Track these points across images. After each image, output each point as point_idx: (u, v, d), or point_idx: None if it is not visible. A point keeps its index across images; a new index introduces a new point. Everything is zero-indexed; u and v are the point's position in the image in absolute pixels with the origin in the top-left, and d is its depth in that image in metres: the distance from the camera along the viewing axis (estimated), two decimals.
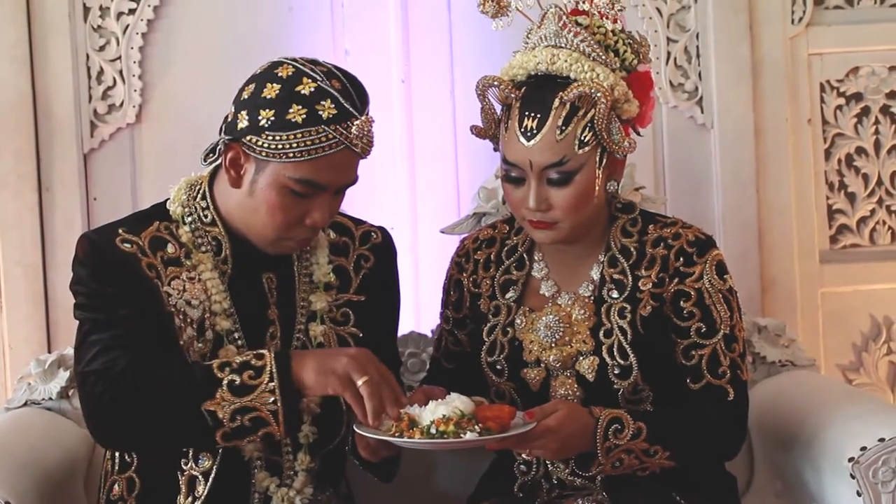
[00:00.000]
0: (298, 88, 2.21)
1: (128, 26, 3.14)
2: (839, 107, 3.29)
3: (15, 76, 3.11)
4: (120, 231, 2.33)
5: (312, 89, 2.21)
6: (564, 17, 2.36)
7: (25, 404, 2.84)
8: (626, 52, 2.38)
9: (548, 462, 2.44)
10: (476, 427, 2.16)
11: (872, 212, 3.32)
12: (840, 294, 3.31)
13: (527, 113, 2.34)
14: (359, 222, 2.54)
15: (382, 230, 2.55)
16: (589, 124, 2.32)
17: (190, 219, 2.36)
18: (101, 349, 2.23)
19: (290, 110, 2.20)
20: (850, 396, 2.76)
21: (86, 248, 2.31)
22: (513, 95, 2.36)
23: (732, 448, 2.43)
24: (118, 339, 2.24)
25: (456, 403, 2.19)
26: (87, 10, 3.14)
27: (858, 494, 2.39)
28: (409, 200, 3.23)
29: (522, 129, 2.33)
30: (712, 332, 2.38)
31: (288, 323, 2.38)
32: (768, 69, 3.23)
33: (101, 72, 3.16)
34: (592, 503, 2.34)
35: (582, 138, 2.33)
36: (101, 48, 3.15)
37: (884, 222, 3.32)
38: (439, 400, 2.22)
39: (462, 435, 2.15)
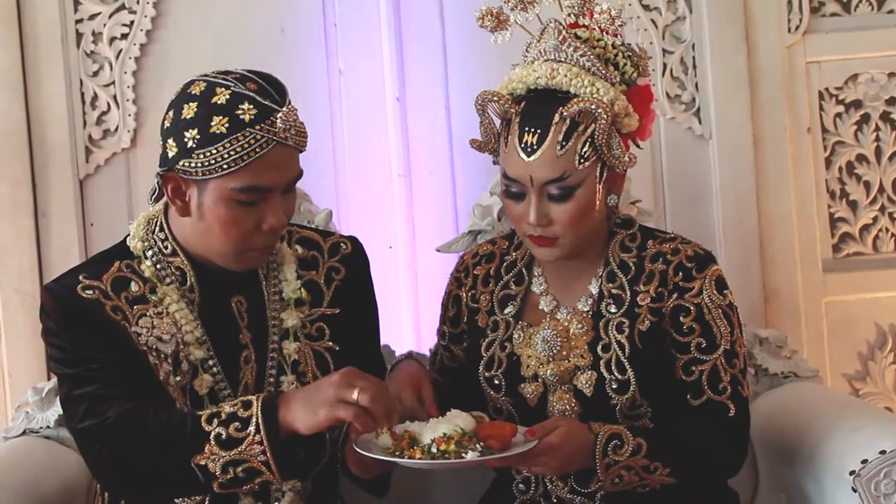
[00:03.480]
0: (214, 100, 2.20)
1: (121, 51, 3.14)
2: (838, 114, 3.27)
3: (9, 103, 3.10)
4: (81, 278, 2.32)
5: (228, 97, 2.20)
6: (564, 32, 2.35)
7: (24, 433, 2.83)
8: (625, 65, 2.37)
9: (546, 481, 2.43)
10: (477, 445, 2.14)
11: (875, 219, 3.29)
12: (844, 303, 3.28)
13: (527, 128, 2.32)
14: (327, 234, 2.53)
15: (353, 239, 2.53)
16: (589, 139, 2.31)
17: (151, 252, 2.35)
18: (90, 404, 2.23)
19: (213, 123, 2.19)
20: (852, 408, 2.73)
21: (49, 301, 2.31)
22: (512, 110, 2.35)
23: (733, 465, 2.41)
24: (103, 389, 2.23)
25: (457, 421, 2.18)
26: (79, 35, 3.14)
27: None
28: (406, 219, 3.21)
29: (523, 145, 2.32)
30: (713, 348, 2.37)
31: (261, 344, 2.37)
32: (766, 78, 3.21)
33: (94, 97, 3.15)
34: None
35: (582, 153, 2.31)
36: (95, 73, 3.15)
37: (887, 230, 3.29)
38: (440, 417, 2.21)
39: (464, 454, 2.13)
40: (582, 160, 2.32)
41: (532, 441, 2.20)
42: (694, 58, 3.21)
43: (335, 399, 2.11)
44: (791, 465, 2.64)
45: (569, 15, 2.39)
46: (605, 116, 2.29)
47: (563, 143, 2.31)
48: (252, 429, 2.14)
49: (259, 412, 2.15)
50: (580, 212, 2.35)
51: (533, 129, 2.32)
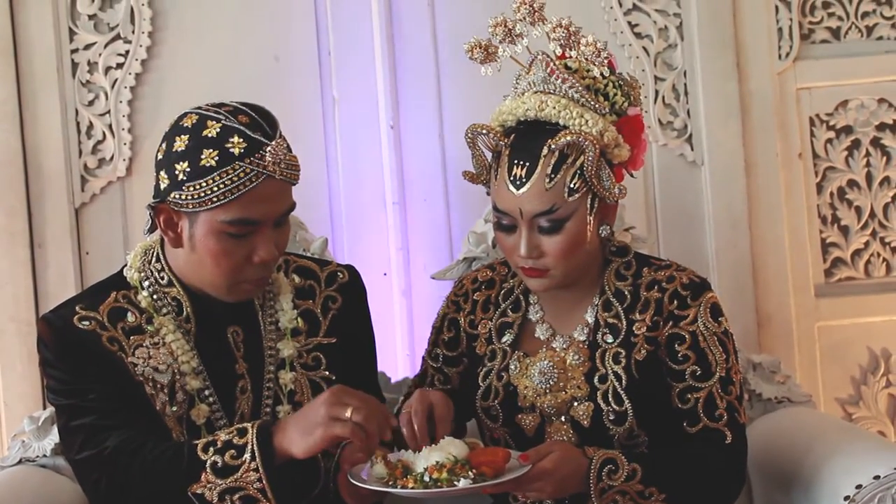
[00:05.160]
0: (205, 133, 2.21)
1: (116, 80, 3.15)
2: (829, 140, 3.29)
3: (4, 133, 3.11)
4: (77, 309, 2.33)
5: (218, 130, 2.21)
6: (552, 63, 2.36)
7: (20, 462, 2.82)
8: (616, 95, 2.37)
9: None
10: (470, 473, 2.15)
11: (866, 244, 3.31)
12: (837, 327, 3.30)
13: (516, 161, 2.33)
14: (324, 263, 2.54)
15: (350, 269, 2.54)
16: (578, 171, 2.32)
17: (147, 283, 2.36)
18: (88, 435, 2.24)
19: (203, 156, 2.20)
20: (846, 433, 2.74)
21: (46, 332, 2.32)
22: (502, 143, 2.36)
23: (731, 492, 2.40)
24: (100, 419, 2.24)
25: (450, 448, 2.19)
26: (75, 65, 3.15)
27: None
28: (400, 246, 3.22)
29: (511, 178, 2.33)
30: (707, 375, 2.37)
31: (258, 374, 2.37)
32: (757, 105, 3.23)
33: (90, 126, 3.16)
34: None
35: (571, 186, 2.32)
36: (90, 103, 3.16)
37: (878, 254, 3.31)
38: (433, 445, 2.21)
39: (456, 482, 2.13)
40: (571, 192, 2.32)
41: (525, 466, 2.21)
42: (686, 85, 3.23)
43: (329, 418, 2.13)
44: (786, 491, 2.64)
45: (556, 47, 2.41)
46: (592, 149, 2.29)
47: (552, 176, 2.31)
48: (247, 456, 2.15)
49: (254, 439, 2.16)
50: (571, 243, 2.35)
51: (522, 162, 2.33)
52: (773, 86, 3.25)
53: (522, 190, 2.32)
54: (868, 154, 3.30)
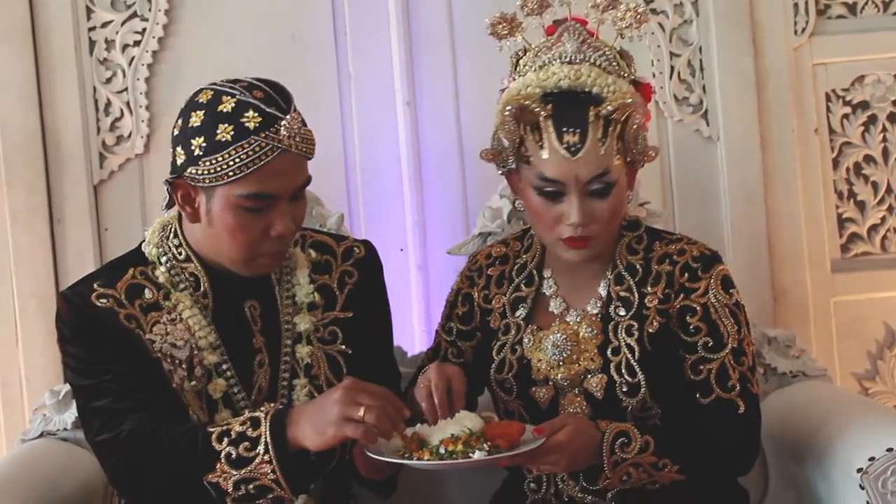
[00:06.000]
0: (220, 108, 2.22)
1: (133, 58, 3.17)
2: (846, 115, 3.28)
3: (23, 111, 3.13)
4: (95, 286, 2.34)
5: (233, 105, 2.21)
6: (583, 34, 2.40)
7: (41, 435, 2.85)
8: (627, 65, 2.43)
9: (558, 479, 2.44)
10: (485, 445, 2.16)
11: (883, 219, 3.30)
12: (853, 302, 3.29)
13: (565, 129, 2.34)
14: (341, 239, 2.55)
15: (366, 244, 2.55)
16: (620, 136, 2.35)
17: (165, 258, 2.37)
18: (105, 418, 2.26)
19: (218, 131, 2.21)
20: (860, 406, 2.75)
21: (65, 309, 2.33)
22: (543, 113, 2.36)
23: (744, 462, 2.42)
24: (117, 402, 2.26)
25: (465, 422, 2.20)
26: (92, 43, 3.17)
27: None
28: (417, 221, 3.23)
29: (565, 145, 2.34)
30: (720, 347, 2.38)
31: (275, 348, 2.39)
32: (773, 80, 3.23)
33: (108, 104, 3.18)
34: None
35: (617, 150, 2.35)
36: (108, 80, 3.18)
37: (894, 229, 3.30)
38: (448, 419, 2.23)
39: (471, 454, 2.15)
40: (616, 156, 2.35)
41: (539, 439, 2.22)
42: (701, 60, 3.23)
43: (341, 418, 2.12)
44: (800, 464, 2.65)
45: (594, 6, 2.43)
46: (639, 113, 2.35)
47: (603, 140, 2.34)
48: (261, 448, 2.16)
49: (268, 432, 2.17)
50: (617, 208, 2.39)
51: (572, 130, 2.34)
52: (789, 61, 3.24)
53: (578, 155, 2.33)
54: (884, 129, 3.29)
